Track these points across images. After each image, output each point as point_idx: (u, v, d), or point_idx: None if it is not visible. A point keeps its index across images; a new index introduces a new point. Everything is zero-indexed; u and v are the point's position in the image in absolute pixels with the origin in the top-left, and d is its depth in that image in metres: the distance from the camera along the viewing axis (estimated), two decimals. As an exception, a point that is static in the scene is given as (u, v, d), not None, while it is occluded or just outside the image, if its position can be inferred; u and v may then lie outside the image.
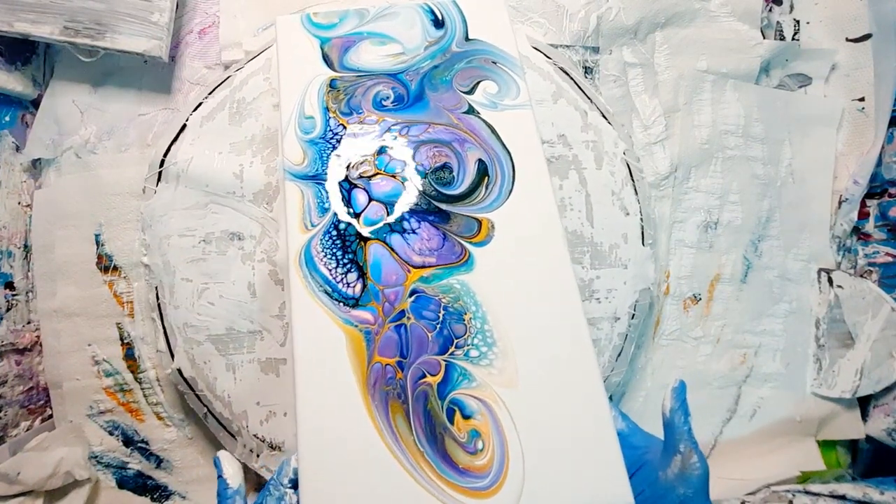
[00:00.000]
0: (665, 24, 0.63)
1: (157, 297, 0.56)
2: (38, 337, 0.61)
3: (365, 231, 0.45)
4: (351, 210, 0.45)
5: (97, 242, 0.60)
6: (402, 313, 0.41)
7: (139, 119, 0.61)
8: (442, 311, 0.41)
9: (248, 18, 0.61)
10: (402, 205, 0.46)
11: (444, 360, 0.40)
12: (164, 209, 0.56)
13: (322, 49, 0.52)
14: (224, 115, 0.57)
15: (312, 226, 0.45)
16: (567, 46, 0.61)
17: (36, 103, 0.62)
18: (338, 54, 0.52)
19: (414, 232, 0.44)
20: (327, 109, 0.49)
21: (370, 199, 0.46)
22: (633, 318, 0.57)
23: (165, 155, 0.57)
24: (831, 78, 0.68)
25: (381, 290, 0.42)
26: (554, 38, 0.61)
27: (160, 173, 0.57)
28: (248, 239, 0.55)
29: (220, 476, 0.39)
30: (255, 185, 0.56)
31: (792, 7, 0.69)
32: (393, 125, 0.48)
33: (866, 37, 0.67)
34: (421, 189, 0.46)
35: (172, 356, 0.55)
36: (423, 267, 0.43)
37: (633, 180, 0.58)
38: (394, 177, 0.47)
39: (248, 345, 0.54)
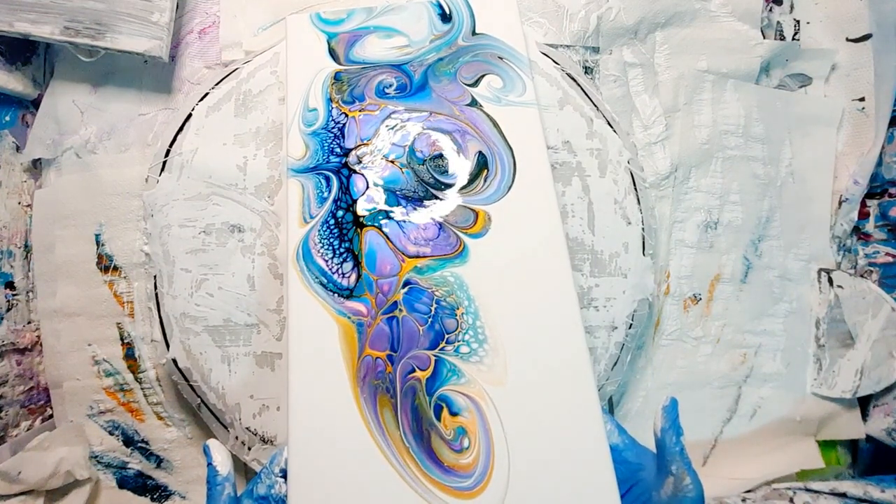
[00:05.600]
0: (665, 24, 0.62)
1: (156, 287, 0.56)
2: (38, 337, 0.61)
3: (362, 216, 0.44)
4: (349, 196, 0.45)
5: (97, 242, 0.60)
6: (395, 305, 0.41)
7: (139, 119, 0.61)
8: (434, 305, 0.41)
9: (248, 18, 0.61)
10: (400, 191, 0.45)
11: (434, 356, 0.40)
12: (165, 199, 0.56)
13: (329, 44, 0.52)
14: (230, 106, 0.57)
15: (311, 217, 0.44)
16: (567, 46, 0.61)
17: (36, 103, 0.62)
18: (344, 48, 0.52)
19: (410, 220, 0.44)
20: (330, 100, 0.49)
21: (368, 186, 0.46)
22: (630, 327, 0.56)
23: (171, 145, 0.57)
24: (831, 78, 0.68)
25: (375, 280, 0.42)
26: (554, 38, 0.61)
27: (164, 163, 0.57)
28: (248, 231, 0.55)
29: (209, 463, 0.39)
30: (258, 178, 0.56)
31: (792, 7, 0.69)
32: (394, 112, 0.48)
33: (866, 37, 0.67)
34: (419, 176, 0.46)
35: (168, 346, 0.55)
36: (417, 257, 0.43)
37: (636, 189, 0.58)
38: (392, 163, 0.46)
39: (245, 337, 0.54)
